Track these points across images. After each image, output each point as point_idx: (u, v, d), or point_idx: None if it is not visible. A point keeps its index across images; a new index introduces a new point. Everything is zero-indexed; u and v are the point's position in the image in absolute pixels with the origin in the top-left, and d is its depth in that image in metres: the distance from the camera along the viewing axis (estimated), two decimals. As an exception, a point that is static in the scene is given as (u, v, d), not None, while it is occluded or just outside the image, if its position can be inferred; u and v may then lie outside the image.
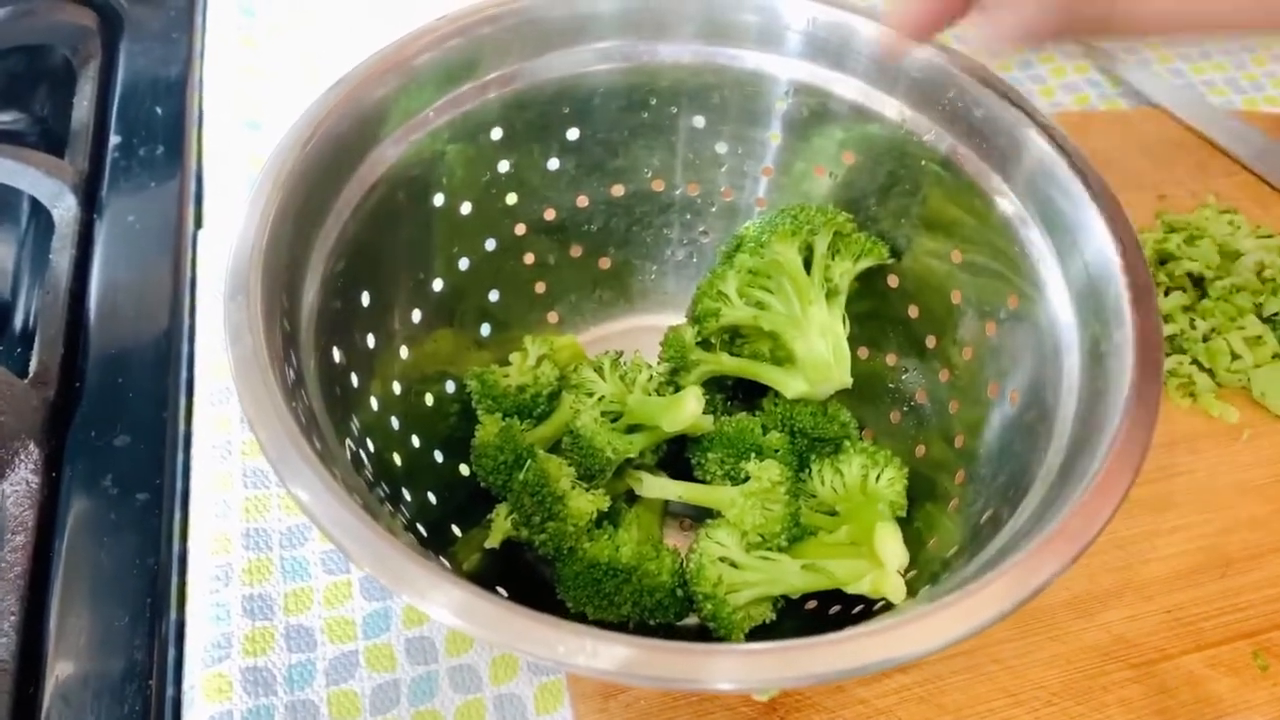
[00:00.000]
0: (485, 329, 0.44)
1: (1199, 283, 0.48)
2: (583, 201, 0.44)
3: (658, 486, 0.39)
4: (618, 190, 0.44)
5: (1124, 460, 0.27)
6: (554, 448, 0.40)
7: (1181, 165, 0.56)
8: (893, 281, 0.41)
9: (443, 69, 0.36)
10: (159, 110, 0.56)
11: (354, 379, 0.35)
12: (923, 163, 0.38)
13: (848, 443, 0.38)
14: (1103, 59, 0.64)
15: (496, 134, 0.39)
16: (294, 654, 0.38)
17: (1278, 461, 0.44)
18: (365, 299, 0.36)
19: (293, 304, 0.31)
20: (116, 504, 0.41)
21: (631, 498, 0.41)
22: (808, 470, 0.38)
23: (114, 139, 0.54)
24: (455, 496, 0.40)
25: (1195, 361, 0.46)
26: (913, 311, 0.40)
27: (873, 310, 0.42)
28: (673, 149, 0.43)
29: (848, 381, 0.39)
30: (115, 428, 0.44)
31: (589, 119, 0.41)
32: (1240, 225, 0.51)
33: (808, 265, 0.39)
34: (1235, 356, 0.46)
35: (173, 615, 0.39)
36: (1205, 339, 0.46)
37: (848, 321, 0.40)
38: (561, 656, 0.24)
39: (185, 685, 0.37)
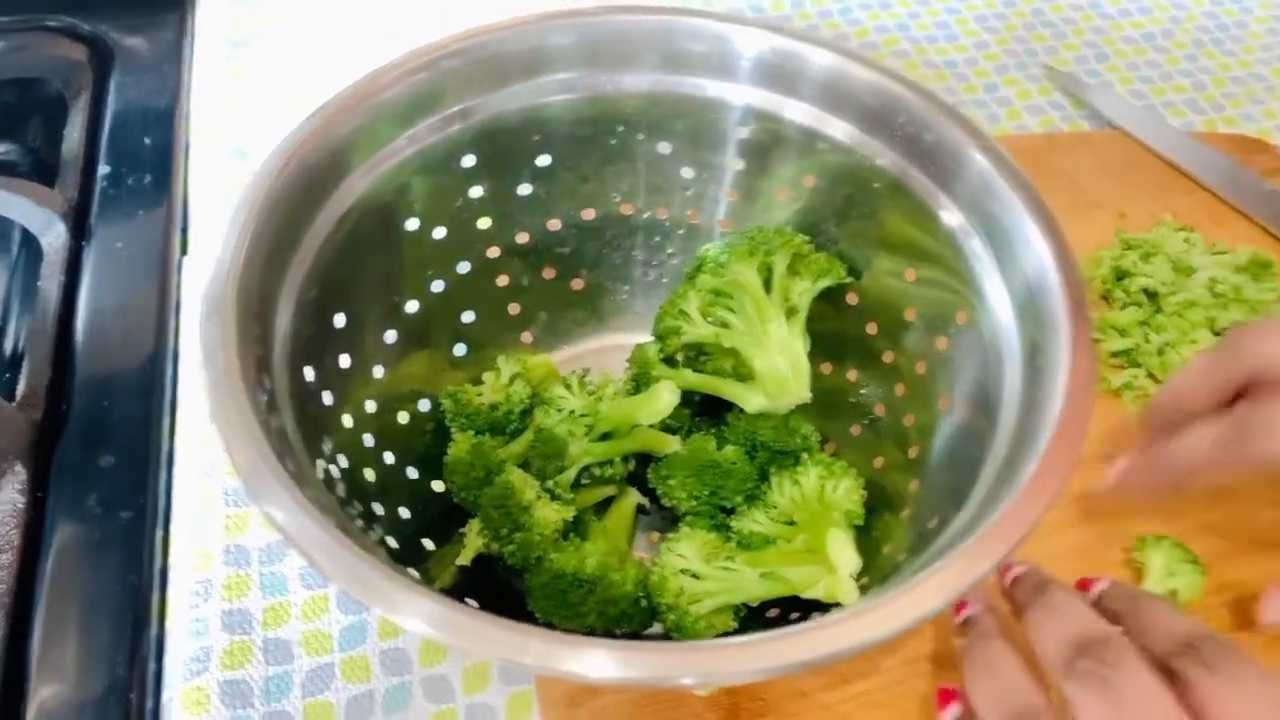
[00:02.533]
0: (460, 349, 0.45)
1: (1154, 298, 0.50)
2: (554, 225, 0.45)
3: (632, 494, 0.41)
4: (588, 214, 0.45)
5: (1055, 462, 0.28)
6: (527, 465, 0.41)
7: (1141, 185, 0.58)
8: (852, 300, 0.43)
9: (410, 102, 0.37)
10: (147, 140, 0.58)
11: (327, 398, 0.36)
12: (876, 184, 0.39)
13: (806, 455, 0.39)
14: (1066, 82, 0.65)
15: (468, 161, 0.41)
16: (271, 667, 0.39)
17: (1230, 471, 0.45)
18: (339, 321, 0.38)
19: (266, 326, 0.33)
20: (100, 522, 0.43)
21: (601, 512, 0.42)
22: (768, 482, 0.39)
23: (103, 168, 0.56)
24: (429, 512, 0.41)
25: (1150, 374, 0.48)
26: (871, 329, 0.42)
27: (834, 328, 0.43)
28: (640, 174, 0.44)
29: (806, 396, 0.40)
30: (100, 449, 0.45)
31: (558, 146, 0.42)
32: (1196, 242, 0.53)
33: (768, 285, 0.41)
34: (1189, 369, 0.47)
35: (153, 630, 0.40)
36: (1160, 352, 0.48)
37: (807, 339, 0.41)
38: (513, 655, 0.25)
39: (164, 698, 0.38)
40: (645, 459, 0.42)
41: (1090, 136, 0.61)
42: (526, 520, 0.37)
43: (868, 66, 0.38)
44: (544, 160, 0.43)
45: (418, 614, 0.26)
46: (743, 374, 0.41)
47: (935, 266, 0.38)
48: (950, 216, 0.37)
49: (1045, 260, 0.33)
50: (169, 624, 0.40)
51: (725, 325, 0.41)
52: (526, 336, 0.47)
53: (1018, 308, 0.34)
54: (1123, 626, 0.30)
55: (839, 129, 0.39)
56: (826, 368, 0.44)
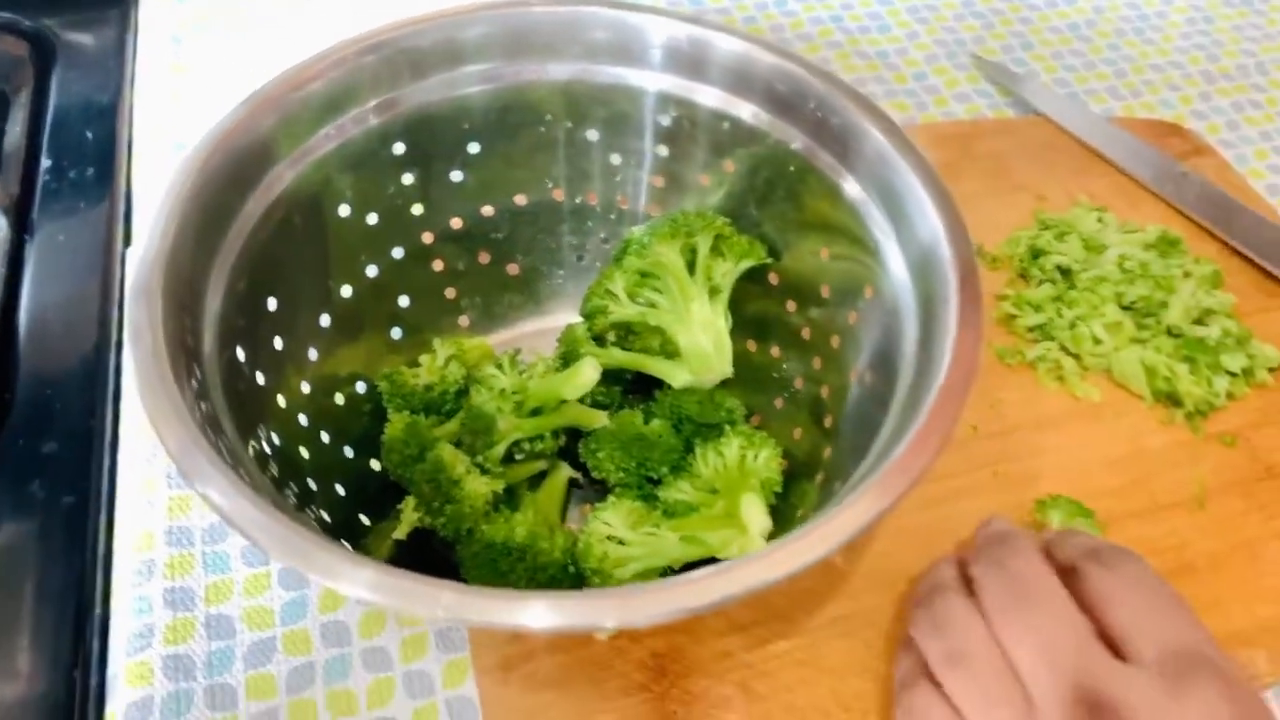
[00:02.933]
0: (397, 333, 0.46)
1: (1067, 274, 0.52)
2: (488, 211, 0.47)
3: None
4: (521, 200, 0.47)
5: (940, 419, 0.30)
6: (460, 443, 0.43)
7: (1061, 168, 0.60)
8: (774, 280, 0.44)
9: (333, 94, 0.39)
10: (90, 134, 0.58)
11: (260, 378, 0.37)
12: (791, 167, 0.41)
13: (729, 427, 0.41)
14: (994, 72, 0.68)
15: (398, 149, 0.42)
16: (214, 641, 0.40)
17: (1135, 437, 0.47)
18: (271, 304, 0.39)
19: (196, 308, 0.34)
20: (44, 507, 0.43)
21: (535, 486, 0.43)
22: (694, 453, 0.41)
23: (45, 162, 0.56)
24: (367, 490, 0.42)
25: (1063, 347, 0.50)
26: (790, 306, 0.44)
27: (758, 308, 0.45)
28: (569, 161, 0.46)
29: (728, 371, 0.42)
30: (44, 436, 0.46)
31: (487, 134, 0.44)
32: (1109, 222, 0.55)
33: (692, 267, 0.43)
34: (1097, 341, 0.49)
35: (97, 610, 0.41)
36: (1071, 326, 0.50)
37: (730, 317, 0.43)
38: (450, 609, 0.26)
39: (109, 673, 0.39)
40: (577, 435, 0.44)
41: (1013, 123, 0.64)
42: (457, 493, 0.38)
43: (772, 52, 0.40)
44: (474, 148, 0.44)
45: (354, 579, 0.27)
46: (669, 352, 0.43)
47: (845, 241, 0.40)
48: (852, 189, 0.39)
49: (937, 228, 0.35)
50: (113, 603, 0.41)
51: (652, 305, 0.43)
52: (463, 320, 0.49)
53: (914, 274, 0.36)
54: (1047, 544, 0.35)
55: (747, 111, 0.41)
56: (751, 345, 0.46)
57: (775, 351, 0.45)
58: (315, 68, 0.38)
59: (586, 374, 0.41)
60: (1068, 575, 0.33)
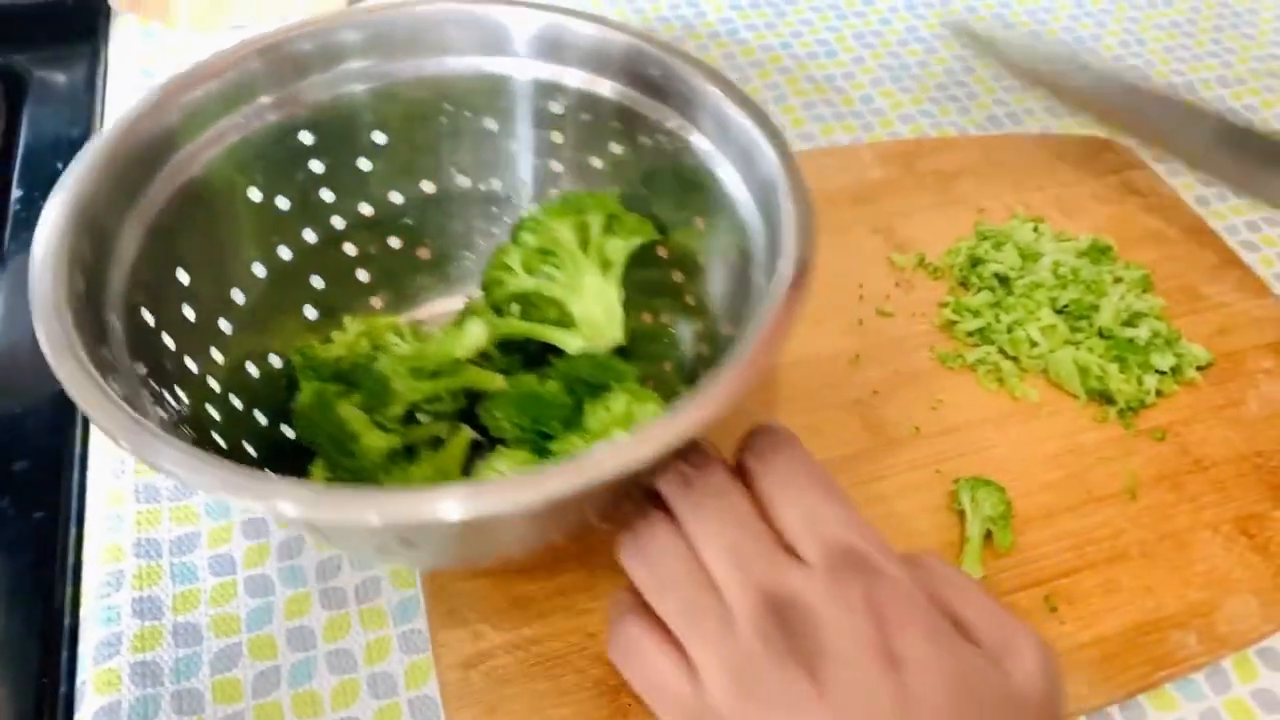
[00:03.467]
0: (311, 312, 0.49)
1: (1005, 282, 0.55)
2: (397, 198, 0.49)
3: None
4: (429, 187, 0.50)
5: (766, 344, 0.33)
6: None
7: (999, 183, 0.63)
8: (663, 254, 0.48)
9: (227, 92, 0.42)
10: (61, 166, 0.59)
11: (169, 342, 0.39)
12: (660, 137, 0.45)
13: (617, 385, 0.44)
14: (933, 91, 0.71)
15: (306, 138, 0.45)
16: (181, 649, 0.41)
17: (1070, 434, 0.50)
18: (183, 276, 0.41)
19: (102, 274, 0.36)
20: (14, 523, 0.45)
21: (438, 448, 0.46)
22: (584, 411, 0.44)
23: (16, 193, 0.58)
24: (281, 454, 0.44)
25: (1001, 350, 0.52)
26: (678, 277, 0.47)
27: (653, 280, 0.48)
28: (474, 150, 0.49)
29: (619, 336, 0.45)
30: (14, 455, 0.47)
31: (393, 125, 0.47)
32: (1045, 232, 0.58)
33: (586, 243, 0.46)
34: (1034, 344, 0.52)
35: (66, 621, 0.42)
36: (1009, 330, 0.52)
37: (622, 289, 0.46)
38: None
39: (78, 681, 0.40)
40: (480, 402, 0.46)
41: (955, 141, 0.67)
42: (356, 448, 0.41)
43: (622, 31, 0.44)
44: (380, 138, 0.47)
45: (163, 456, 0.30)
46: (565, 322, 0.46)
47: (705, 199, 0.43)
48: (701, 142, 0.43)
49: (772, 160, 0.39)
50: (82, 613, 0.42)
51: (548, 278, 0.46)
52: (377, 301, 0.51)
53: (760, 208, 0.40)
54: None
55: (607, 87, 0.45)
56: (647, 318, 0.49)
57: (666, 320, 0.48)
58: (213, 66, 0.41)
59: (474, 332, 0.44)
60: (746, 477, 0.35)
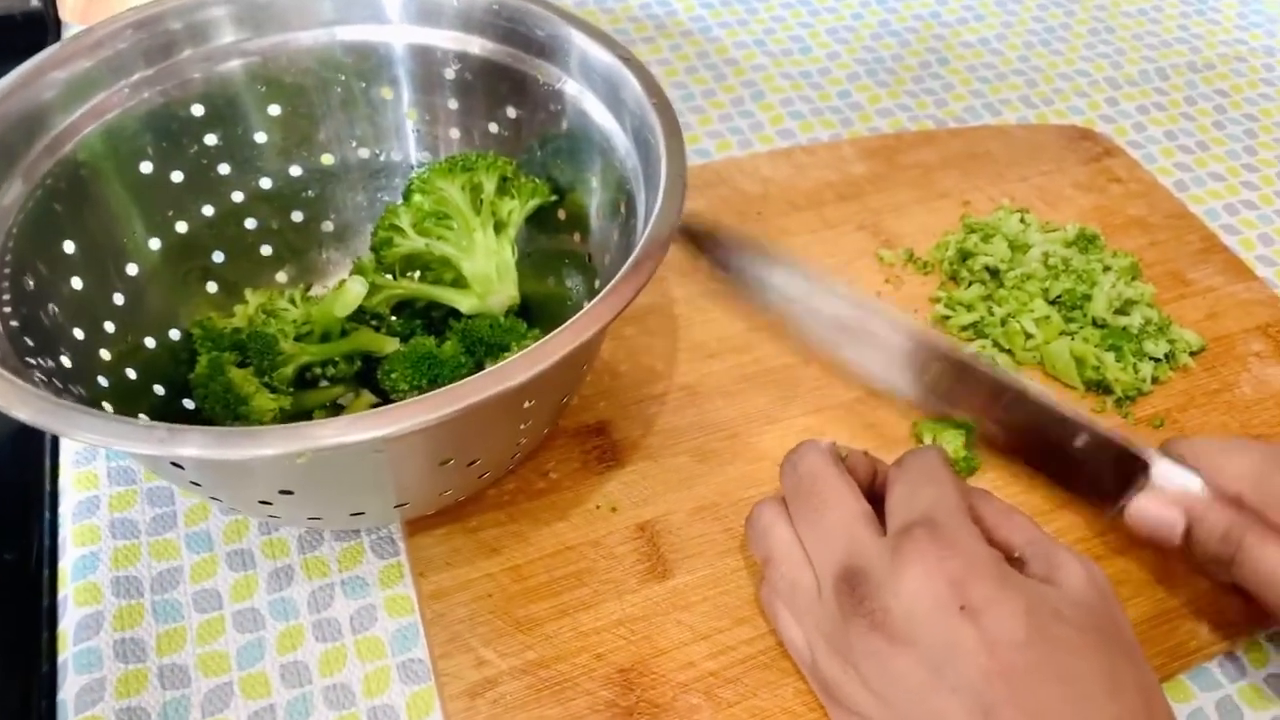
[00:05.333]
0: (212, 287, 0.48)
1: (995, 274, 0.54)
2: (296, 171, 0.49)
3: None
4: (328, 159, 0.50)
5: (635, 272, 0.35)
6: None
7: (982, 175, 0.63)
8: (562, 216, 0.48)
9: (104, 67, 0.42)
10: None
11: (55, 311, 0.39)
12: (553, 107, 0.45)
13: (515, 344, 0.44)
14: (909, 85, 0.70)
15: (198, 110, 0.45)
16: (168, 691, 0.39)
17: (1070, 424, 0.49)
18: (69, 247, 0.41)
19: None
20: (-17, 567, 0.42)
21: (337, 413, 0.46)
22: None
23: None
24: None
25: (996, 344, 0.52)
26: (576, 238, 0.47)
27: (554, 244, 0.49)
28: (371, 120, 0.49)
29: (514, 294, 0.46)
30: (-21, 495, 0.44)
31: (286, 96, 0.47)
32: (1031, 223, 0.57)
33: (479, 204, 0.46)
34: (1029, 336, 0.51)
35: (44, 668, 0.40)
36: (1002, 323, 0.52)
37: (516, 249, 0.47)
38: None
39: (59, 732, 0.38)
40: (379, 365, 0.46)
41: (935, 134, 0.66)
42: (244, 410, 0.41)
43: None
44: (275, 110, 0.47)
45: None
46: (460, 284, 0.46)
47: (593, 154, 0.45)
48: (573, 88, 0.44)
49: (641, 96, 0.41)
50: (60, 659, 0.40)
51: (442, 239, 0.46)
52: (281, 276, 0.50)
53: (635, 145, 0.41)
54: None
55: (476, 45, 0.46)
56: (551, 282, 0.49)
57: (569, 283, 0.48)
58: (86, 42, 0.41)
59: (354, 290, 0.44)
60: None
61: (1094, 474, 0.43)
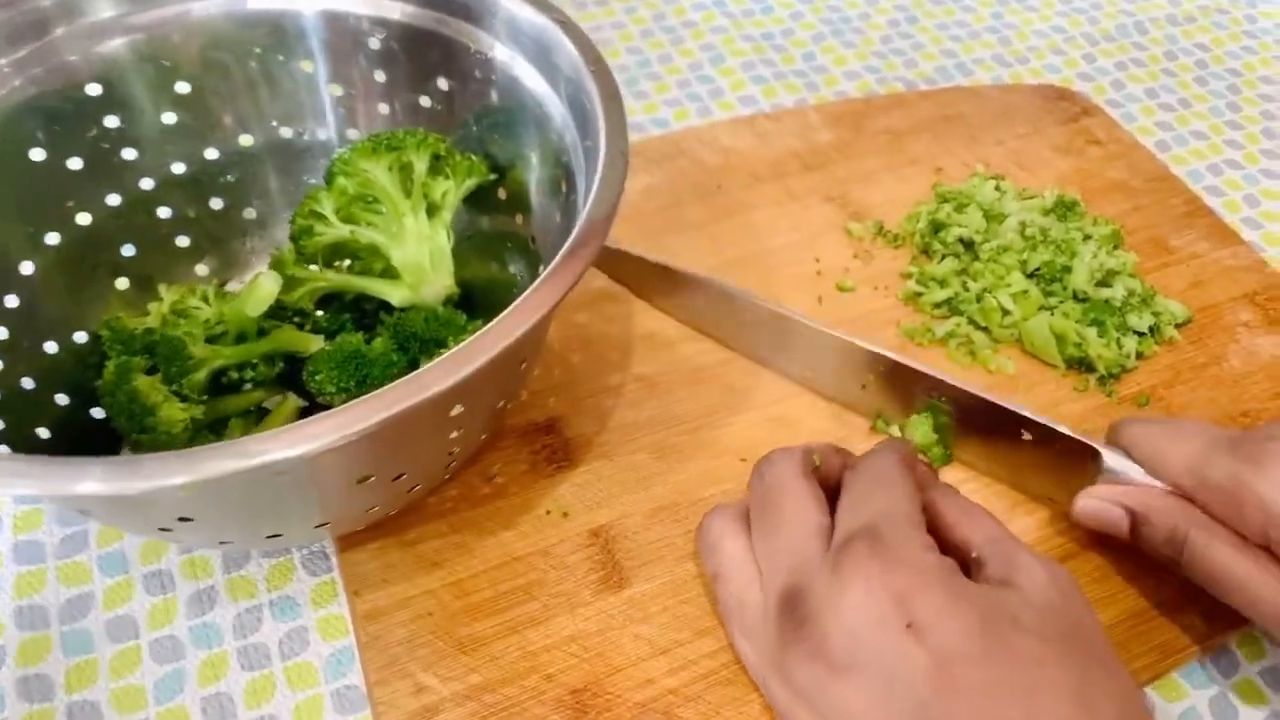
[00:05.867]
0: (123, 283, 0.44)
1: (970, 246, 0.51)
2: (212, 154, 0.45)
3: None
4: (247, 140, 0.46)
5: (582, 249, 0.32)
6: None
7: (954, 139, 0.59)
8: (502, 195, 0.45)
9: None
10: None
11: None
12: (478, 73, 0.42)
13: (452, 339, 0.40)
14: (877, 45, 0.67)
15: (94, 90, 0.41)
16: (78, 732, 0.36)
17: (1051, 406, 0.46)
18: None
19: None
20: None
21: (262, 418, 0.42)
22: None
23: None
24: (89, 439, 0.40)
25: (971, 321, 0.49)
26: (518, 219, 0.44)
27: (495, 227, 0.45)
28: (291, 97, 0.45)
29: (450, 284, 0.42)
30: None
31: (193, 72, 0.43)
32: (1007, 190, 0.54)
33: (410, 185, 0.42)
34: (1006, 312, 0.48)
35: (-61, 711, 0.36)
36: (978, 298, 0.49)
37: (452, 234, 0.43)
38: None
39: (-45, 784, 0.35)
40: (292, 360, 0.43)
41: (905, 97, 0.63)
42: (152, 422, 0.37)
43: None
44: (183, 88, 0.43)
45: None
46: (393, 275, 0.42)
47: (528, 125, 0.41)
48: (503, 53, 0.41)
49: (576, 59, 0.38)
50: (-44, 702, 0.37)
51: (370, 225, 0.42)
52: (201, 269, 0.47)
53: (571, 111, 0.38)
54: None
55: (398, 11, 0.42)
56: (494, 267, 0.45)
57: (512, 267, 0.45)
58: None
59: (265, 287, 0.40)
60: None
61: (1048, 470, 0.41)
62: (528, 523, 0.41)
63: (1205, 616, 0.40)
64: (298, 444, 0.26)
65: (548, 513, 0.41)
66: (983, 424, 0.42)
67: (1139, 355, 0.48)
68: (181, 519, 0.30)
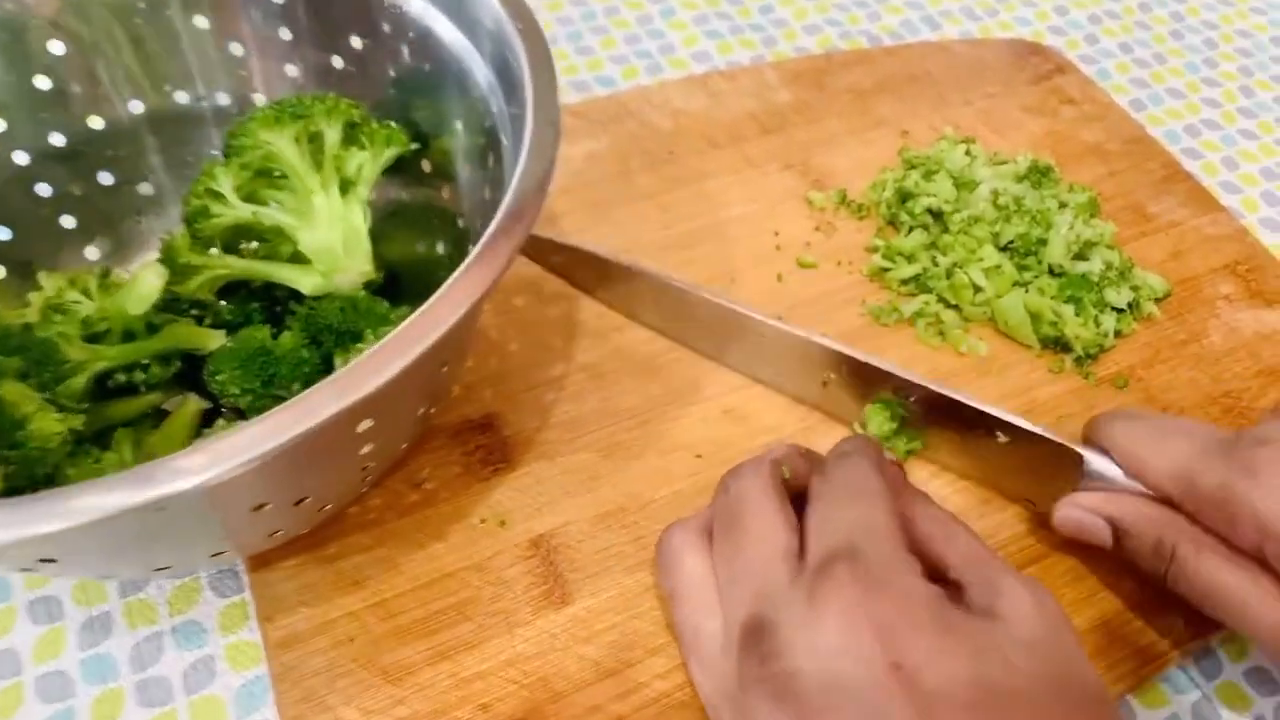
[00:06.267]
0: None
1: (939, 217, 0.47)
2: (97, 123, 0.40)
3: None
4: (138, 107, 0.41)
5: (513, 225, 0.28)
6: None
7: (922, 100, 0.56)
8: (426, 167, 0.40)
9: None
10: None
11: None
12: (411, 34, 0.37)
13: (371, 332, 0.36)
14: (842, -3, 0.62)
15: None
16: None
17: (1025, 390, 0.43)
18: None
19: None
20: None
21: (160, 422, 0.38)
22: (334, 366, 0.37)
23: None
24: None
25: (941, 299, 0.45)
26: (446, 193, 0.40)
27: (422, 202, 0.41)
28: (186, 57, 0.41)
29: (368, 270, 0.38)
30: None
31: (68, 30, 0.38)
32: (977, 155, 0.51)
33: (321, 158, 0.38)
34: (977, 289, 0.45)
35: None
36: (948, 274, 0.45)
37: (369, 212, 0.39)
38: None
39: None
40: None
41: (869, 53, 0.58)
42: (23, 436, 0.33)
43: None
44: (57, 48, 0.38)
45: None
46: (304, 259, 0.38)
47: (451, 91, 0.37)
48: (414, 4, 0.37)
49: (499, 12, 0.34)
50: None
51: (278, 204, 0.38)
52: (91, 252, 0.42)
53: (497, 74, 0.34)
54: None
55: None
56: (421, 247, 0.42)
57: (440, 247, 0.41)
58: None
59: (148, 282, 0.37)
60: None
61: (1025, 471, 0.38)
62: (460, 533, 0.37)
63: (1187, 616, 0.37)
64: (159, 484, 0.21)
65: (483, 521, 0.38)
66: (955, 423, 0.38)
67: (1117, 334, 0.45)
68: (44, 560, 0.26)
